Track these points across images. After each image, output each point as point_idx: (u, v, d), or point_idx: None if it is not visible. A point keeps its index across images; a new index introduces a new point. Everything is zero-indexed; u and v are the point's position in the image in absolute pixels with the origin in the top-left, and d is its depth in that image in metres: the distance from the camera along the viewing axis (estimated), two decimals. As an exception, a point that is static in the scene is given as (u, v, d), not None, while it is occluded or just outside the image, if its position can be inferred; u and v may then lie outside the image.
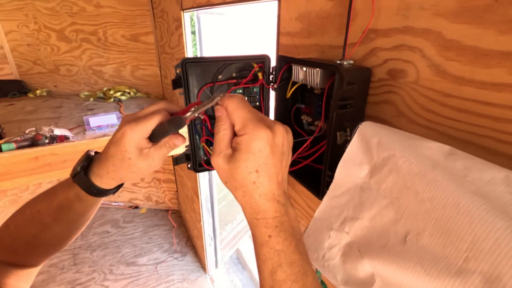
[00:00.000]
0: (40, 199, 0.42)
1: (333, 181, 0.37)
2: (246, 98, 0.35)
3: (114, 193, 0.42)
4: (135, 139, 0.35)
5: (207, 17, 1.23)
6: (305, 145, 0.45)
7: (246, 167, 0.28)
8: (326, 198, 0.38)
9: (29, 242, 0.41)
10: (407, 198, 0.28)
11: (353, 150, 0.35)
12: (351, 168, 0.35)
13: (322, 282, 0.53)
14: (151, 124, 0.35)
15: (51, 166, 1.11)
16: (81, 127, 1.27)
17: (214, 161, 0.30)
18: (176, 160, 0.49)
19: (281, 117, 0.51)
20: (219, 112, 0.32)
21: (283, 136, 0.30)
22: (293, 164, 0.46)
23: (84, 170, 0.39)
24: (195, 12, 1.15)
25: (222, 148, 0.30)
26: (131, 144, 0.35)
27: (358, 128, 0.34)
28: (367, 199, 0.33)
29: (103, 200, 0.44)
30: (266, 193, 0.29)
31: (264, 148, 0.28)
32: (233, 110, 0.30)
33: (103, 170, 0.38)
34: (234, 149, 0.30)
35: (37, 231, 0.41)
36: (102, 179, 0.38)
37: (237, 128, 0.30)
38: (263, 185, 0.29)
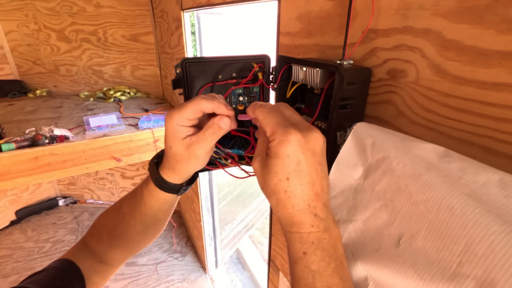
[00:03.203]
0: (129, 193, 0.42)
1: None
2: (283, 104, 0.31)
3: (178, 191, 0.39)
4: (170, 126, 0.33)
5: (207, 17, 1.23)
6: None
7: (276, 173, 0.26)
8: None
9: (110, 232, 0.42)
10: (401, 200, 0.27)
11: (347, 151, 0.34)
12: (345, 169, 0.35)
13: None
14: (186, 112, 0.31)
15: (51, 166, 1.11)
16: (81, 127, 1.27)
17: (252, 165, 0.30)
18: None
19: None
20: (257, 122, 0.31)
21: (319, 143, 0.27)
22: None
23: (158, 159, 0.38)
24: (195, 12, 1.15)
25: (259, 153, 0.29)
26: (168, 132, 0.33)
27: (353, 129, 0.34)
28: (361, 201, 0.33)
29: (175, 201, 0.42)
30: (299, 203, 0.26)
31: (293, 154, 0.25)
32: (262, 119, 0.29)
33: (165, 163, 0.36)
34: (268, 155, 0.28)
35: (117, 221, 0.42)
36: (167, 172, 0.37)
37: (268, 135, 0.28)
38: (296, 195, 0.26)
